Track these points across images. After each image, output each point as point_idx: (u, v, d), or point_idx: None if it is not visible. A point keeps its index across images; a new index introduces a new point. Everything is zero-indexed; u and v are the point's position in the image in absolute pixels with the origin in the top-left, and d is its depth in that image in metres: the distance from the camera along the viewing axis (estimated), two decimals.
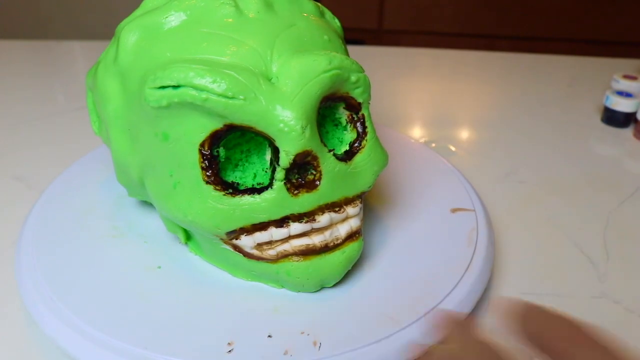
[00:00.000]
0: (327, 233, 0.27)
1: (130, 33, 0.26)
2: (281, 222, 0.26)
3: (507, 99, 0.60)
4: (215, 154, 0.25)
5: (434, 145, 0.49)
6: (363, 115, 0.28)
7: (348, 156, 0.27)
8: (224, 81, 0.23)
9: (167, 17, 0.26)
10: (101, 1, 1.32)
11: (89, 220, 0.33)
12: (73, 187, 0.36)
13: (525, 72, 0.68)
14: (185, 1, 0.26)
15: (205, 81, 0.23)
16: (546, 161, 0.47)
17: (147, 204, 0.35)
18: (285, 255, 0.27)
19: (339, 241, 0.27)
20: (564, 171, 0.45)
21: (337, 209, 0.27)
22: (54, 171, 0.43)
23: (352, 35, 1.32)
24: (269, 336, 0.25)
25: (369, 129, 0.28)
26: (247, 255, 0.27)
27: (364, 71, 0.27)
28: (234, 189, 0.25)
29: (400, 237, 0.32)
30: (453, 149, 0.49)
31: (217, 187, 0.25)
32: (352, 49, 0.74)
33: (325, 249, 0.27)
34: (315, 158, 0.25)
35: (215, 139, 0.25)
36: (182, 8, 0.26)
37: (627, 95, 0.52)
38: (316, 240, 0.26)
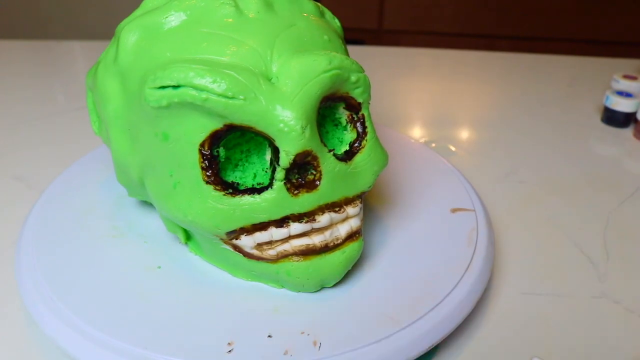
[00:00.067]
0: (327, 233, 0.27)
1: (130, 33, 0.26)
2: (281, 222, 0.26)
3: (507, 99, 0.60)
4: (215, 154, 0.25)
5: (434, 145, 0.49)
6: (363, 115, 0.28)
7: (348, 156, 0.27)
8: (224, 81, 0.23)
9: (167, 17, 0.26)
10: (101, 1, 1.32)
11: (89, 220, 0.33)
12: (73, 187, 0.36)
13: (525, 72, 0.68)
14: (185, 1, 0.26)
15: (205, 81, 0.23)
16: (546, 161, 0.47)
17: (147, 204, 0.35)
18: (285, 255, 0.27)
19: (339, 241, 0.27)
20: (564, 171, 0.45)
21: (337, 209, 0.27)
22: (54, 171, 0.43)
23: (352, 35, 1.33)
24: (269, 336, 0.25)
25: (369, 129, 0.28)
26: (247, 255, 0.27)
27: (364, 71, 0.27)
28: (234, 189, 0.25)
29: (400, 237, 0.32)
30: (453, 149, 0.49)
31: (217, 187, 0.25)
32: (352, 49, 0.74)
33: (326, 249, 0.27)
34: (315, 158, 0.25)
35: (215, 139, 0.25)
36: (182, 8, 0.26)
37: (627, 95, 0.52)
38: (316, 240, 0.26)
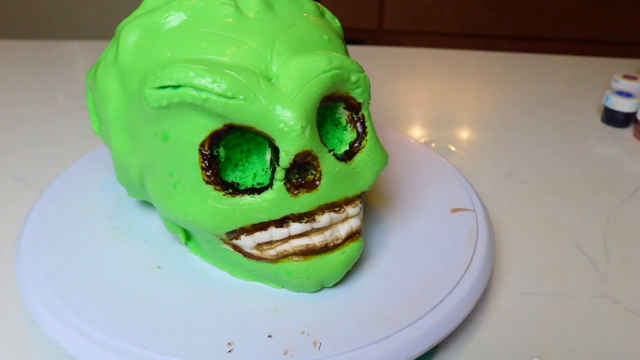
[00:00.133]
0: (327, 233, 0.27)
1: (130, 33, 0.26)
2: (281, 222, 0.26)
3: (507, 99, 0.60)
4: (215, 154, 0.25)
5: (434, 145, 0.49)
6: (363, 115, 0.28)
7: (348, 156, 0.27)
8: (224, 81, 0.23)
9: (167, 17, 0.26)
10: (101, 1, 1.32)
11: (89, 220, 0.33)
12: (73, 187, 0.36)
13: (525, 72, 0.68)
14: (185, 1, 0.26)
15: (205, 81, 0.23)
16: (546, 161, 0.47)
17: (147, 204, 0.35)
18: (285, 255, 0.27)
19: (339, 241, 0.27)
20: (564, 171, 0.45)
21: (337, 209, 0.27)
22: (54, 171, 0.43)
23: (352, 35, 1.33)
24: (269, 336, 0.25)
25: (369, 129, 0.28)
26: (247, 255, 0.27)
27: (364, 71, 0.27)
28: (234, 189, 0.25)
29: (400, 237, 0.32)
30: (453, 149, 0.49)
31: (217, 187, 0.25)
32: (352, 49, 0.74)
33: (325, 249, 0.27)
34: (315, 158, 0.25)
35: (215, 139, 0.25)
36: (182, 8, 0.26)
37: (627, 95, 0.52)
38: (316, 240, 0.26)
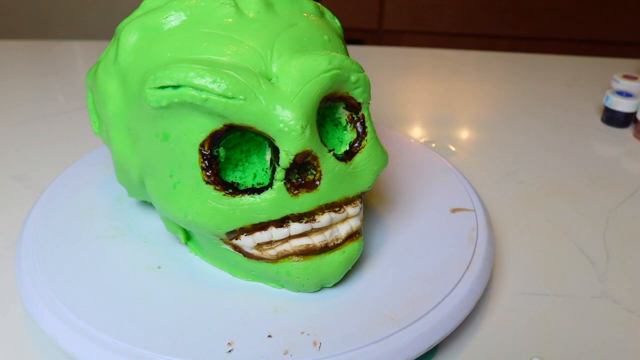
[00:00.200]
0: (327, 233, 0.27)
1: (130, 33, 0.26)
2: (281, 222, 0.26)
3: (507, 99, 0.60)
4: (215, 154, 0.25)
5: (434, 145, 0.49)
6: (363, 115, 0.28)
7: (348, 156, 0.27)
8: (224, 81, 0.23)
9: (167, 17, 0.26)
10: (101, 1, 1.32)
11: (89, 220, 0.33)
12: (73, 187, 0.36)
13: (525, 72, 0.68)
14: (185, 1, 0.26)
15: (205, 81, 0.23)
16: (546, 161, 0.47)
17: (147, 204, 0.35)
18: (285, 255, 0.27)
19: (339, 241, 0.27)
20: (564, 171, 0.45)
21: (337, 209, 0.27)
22: (54, 171, 0.43)
23: (352, 35, 1.33)
24: (269, 336, 0.25)
25: (369, 129, 0.28)
26: (247, 255, 0.27)
27: (364, 71, 0.27)
28: (234, 189, 0.25)
29: (400, 237, 0.32)
30: (453, 149, 0.49)
31: (217, 187, 0.25)
32: (352, 49, 0.74)
33: (325, 249, 0.27)
34: (315, 158, 0.25)
35: (215, 139, 0.25)
36: (182, 8, 0.26)
37: (627, 95, 0.52)
38: (316, 240, 0.26)
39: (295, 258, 0.26)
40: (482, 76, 0.67)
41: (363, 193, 0.28)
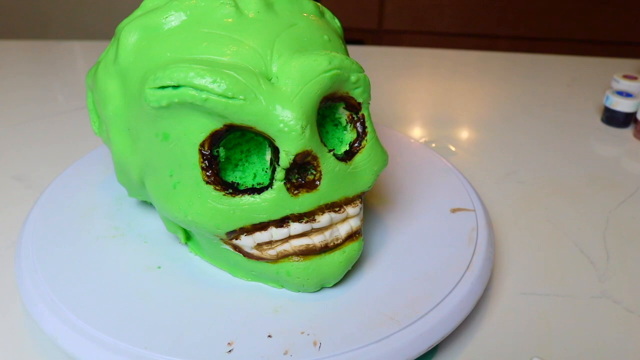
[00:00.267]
0: (327, 233, 0.27)
1: (130, 33, 0.26)
2: (281, 222, 0.26)
3: (507, 99, 0.60)
4: (215, 154, 0.25)
5: (434, 145, 0.49)
6: (363, 115, 0.28)
7: (348, 156, 0.27)
8: (224, 81, 0.23)
9: (167, 17, 0.26)
10: (101, 1, 1.32)
11: (89, 220, 0.33)
12: (73, 187, 0.36)
13: (525, 72, 0.68)
14: (185, 1, 0.26)
15: (205, 81, 0.23)
16: (546, 161, 0.47)
17: (147, 204, 0.35)
18: (285, 255, 0.27)
19: (339, 241, 0.27)
20: (564, 171, 0.45)
21: (337, 209, 0.27)
22: (54, 171, 0.43)
23: (352, 35, 1.33)
24: (269, 336, 0.25)
25: (369, 129, 0.28)
26: (247, 255, 0.27)
27: (364, 71, 0.27)
28: (234, 189, 0.25)
29: (400, 237, 0.32)
30: (453, 149, 0.49)
31: (217, 187, 0.25)
32: (352, 49, 0.74)
33: (325, 249, 0.27)
34: (315, 158, 0.25)
35: (215, 139, 0.25)
36: (182, 8, 0.26)
37: (627, 95, 0.52)
38: (316, 240, 0.26)
39: (295, 258, 0.26)
40: (482, 76, 0.67)
41: (363, 193, 0.28)
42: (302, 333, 0.25)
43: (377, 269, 0.29)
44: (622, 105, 0.52)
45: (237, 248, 0.27)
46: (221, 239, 0.26)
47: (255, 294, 0.28)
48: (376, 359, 0.24)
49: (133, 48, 0.26)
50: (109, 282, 0.28)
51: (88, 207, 0.34)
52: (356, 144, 0.28)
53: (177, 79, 0.23)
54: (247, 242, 0.26)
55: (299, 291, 0.28)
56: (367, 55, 0.73)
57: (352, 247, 0.27)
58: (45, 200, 0.34)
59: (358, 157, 0.27)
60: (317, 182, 0.26)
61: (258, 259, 0.27)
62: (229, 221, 0.25)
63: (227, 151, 0.26)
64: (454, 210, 0.34)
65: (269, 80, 0.24)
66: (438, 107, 0.58)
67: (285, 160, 0.24)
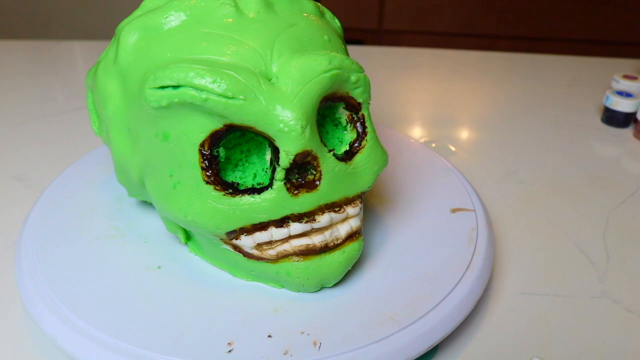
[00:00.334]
0: (327, 233, 0.27)
1: (130, 33, 0.26)
2: (281, 222, 0.26)
3: (507, 99, 0.60)
4: (215, 154, 0.25)
5: (434, 145, 0.49)
6: (363, 115, 0.28)
7: (348, 156, 0.27)
8: (224, 81, 0.23)
9: (167, 17, 0.26)
10: (101, 1, 1.32)
11: (89, 220, 0.33)
12: (73, 187, 0.36)
13: (525, 72, 0.68)
14: (185, 1, 0.26)
15: (205, 81, 0.23)
16: (546, 161, 0.47)
17: (147, 204, 0.35)
18: (285, 255, 0.27)
19: (339, 241, 0.27)
20: (564, 171, 0.45)
21: (337, 209, 0.27)
22: (54, 171, 0.43)
23: (352, 35, 1.33)
24: (269, 336, 0.25)
25: (369, 129, 0.28)
26: (247, 255, 0.27)
27: (364, 71, 0.27)
28: (234, 189, 0.25)
29: (400, 237, 0.32)
30: (453, 149, 0.49)
31: (217, 187, 0.25)
32: (352, 49, 0.74)
33: (325, 249, 0.27)
34: (315, 158, 0.25)
35: (215, 139, 0.25)
36: (182, 8, 0.26)
37: (627, 95, 0.52)
38: (316, 240, 0.26)
39: (295, 258, 0.26)
40: (482, 76, 0.67)
41: (363, 193, 0.28)
42: (302, 333, 0.25)
43: (377, 269, 0.29)
44: (622, 105, 0.52)
45: (237, 248, 0.27)
46: (221, 239, 0.26)
47: (255, 294, 0.28)
48: (376, 359, 0.24)
49: (133, 48, 0.26)
50: (109, 282, 0.28)
51: (88, 207, 0.34)
52: (356, 144, 0.28)
53: (177, 79, 0.23)
54: (247, 242, 0.26)
55: (299, 291, 0.28)
56: (367, 55, 0.73)
57: (352, 247, 0.27)
58: (45, 200, 0.34)
59: (358, 157, 0.27)
60: (317, 182, 0.26)
61: (258, 259, 0.27)
62: (229, 221, 0.25)
63: (227, 151, 0.26)
64: (454, 210, 0.34)
65: (269, 80, 0.24)
66: (438, 107, 0.58)
67: (285, 160, 0.24)
